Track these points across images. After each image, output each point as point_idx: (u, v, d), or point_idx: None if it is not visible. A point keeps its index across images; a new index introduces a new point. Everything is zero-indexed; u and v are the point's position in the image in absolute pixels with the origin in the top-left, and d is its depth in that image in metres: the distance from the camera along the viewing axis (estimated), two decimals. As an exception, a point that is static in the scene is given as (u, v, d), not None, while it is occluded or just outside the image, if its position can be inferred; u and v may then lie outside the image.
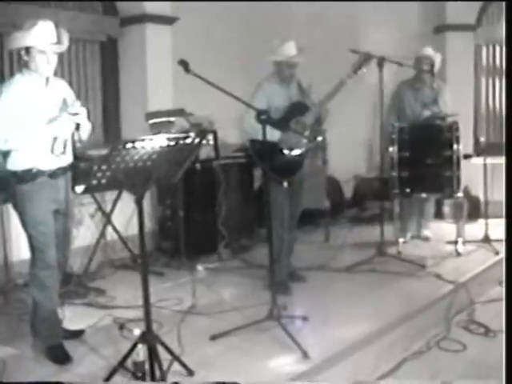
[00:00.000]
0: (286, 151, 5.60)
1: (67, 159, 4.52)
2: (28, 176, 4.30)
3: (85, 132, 4.52)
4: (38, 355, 4.45)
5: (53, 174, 4.39)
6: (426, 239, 7.62)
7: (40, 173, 4.33)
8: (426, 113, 7.19)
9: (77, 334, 4.74)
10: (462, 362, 4.92)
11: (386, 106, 6.82)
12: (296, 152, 5.64)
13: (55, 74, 6.72)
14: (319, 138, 5.87)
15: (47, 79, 4.42)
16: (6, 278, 5.64)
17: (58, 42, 4.39)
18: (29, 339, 4.63)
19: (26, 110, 4.25)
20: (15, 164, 4.31)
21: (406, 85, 7.43)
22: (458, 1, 8.84)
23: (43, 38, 4.30)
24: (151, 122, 6.98)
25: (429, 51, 7.27)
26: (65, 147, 4.44)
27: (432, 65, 7.23)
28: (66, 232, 4.63)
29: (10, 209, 4.89)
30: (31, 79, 4.35)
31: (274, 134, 5.40)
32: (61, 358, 4.37)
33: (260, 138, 4.77)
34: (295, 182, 5.79)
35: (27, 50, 4.30)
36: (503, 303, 4.09)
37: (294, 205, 5.89)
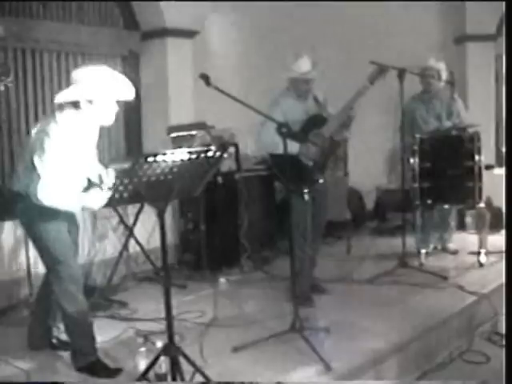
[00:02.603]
0: (305, 163, 5.61)
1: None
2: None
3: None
4: (61, 367, 4.50)
5: None
6: (454, 252, 7.56)
7: None
8: (447, 124, 7.18)
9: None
10: (485, 374, 4.88)
11: (399, 122, 6.80)
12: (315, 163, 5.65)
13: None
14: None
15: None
16: (29, 290, 5.67)
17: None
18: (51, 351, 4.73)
19: (71, 148, 4.24)
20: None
21: (416, 99, 7.40)
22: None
23: (112, 90, 4.26)
24: (173, 135, 7.02)
25: (432, 62, 7.27)
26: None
27: (439, 75, 7.22)
28: (76, 246, 4.68)
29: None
30: (83, 127, 4.35)
31: (292, 147, 5.40)
32: (109, 371, 4.41)
33: (279, 151, 4.78)
34: (318, 195, 5.79)
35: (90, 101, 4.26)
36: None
37: (318, 217, 5.86)
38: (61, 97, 4.24)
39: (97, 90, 4.21)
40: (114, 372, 4.41)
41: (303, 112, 5.77)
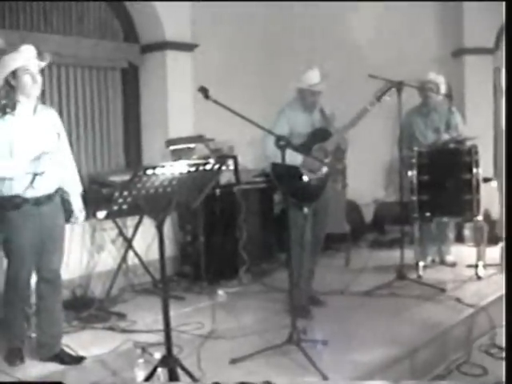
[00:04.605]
0: (307, 176, 5.62)
1: (53, 186, 4.63)
2: (12, 204, 4.43)
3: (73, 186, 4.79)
4: (61, 377, 4.51)
5: (37, 202, 4.51)
6: (452, 265, 7.55)
7: (24, 201, 4.45)
8: (445, 136, 7.19)
9: (78, 360, 4.79)
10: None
11: (398, 135, 6.82)
12: (317, 177, 5.66)
13: (75, 99, 6.85)
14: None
15: (35, 108, 4.54)
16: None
17: (40, 59, 4.56)
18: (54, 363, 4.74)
19: (13, 139, 4.37)
20: (0, 191, 4.44)
21: (414, 112, 7.42)
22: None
23: (27, 58, 4.46)
24: (172, 148, 7.05)
25: (431, 75, 7.30)
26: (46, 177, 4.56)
27: (438, 88, 7.25)
28: (55, 255, 4.74)
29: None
30: (18, 107, 4.46)
31: (295, 159, 5.43)
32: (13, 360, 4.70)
33: (283, 162, 4.80)
34: (319, 208, 5.80)
35: (13, 74, 4.42)
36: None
37: (318, 230, 5.88)
38: None
39: (12, 61, 4.44)
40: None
41: (309, 124, 5.79)
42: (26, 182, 4.41)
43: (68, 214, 4.83)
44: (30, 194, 4.46)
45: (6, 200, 4.43)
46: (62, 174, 4.73)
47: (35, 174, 4.42)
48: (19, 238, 4.47)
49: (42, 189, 4.52)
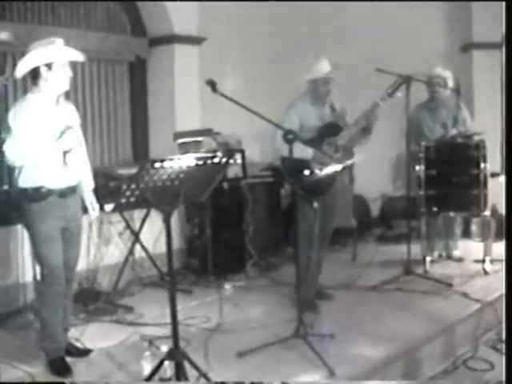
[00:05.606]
0: (317, 170, 5.60)
1: (76, 178, 4.61)
2: (38, 195, 4.40)
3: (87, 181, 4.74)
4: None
5: (62, 193, 4.49)
6: (459, 260, 7.54)
7: (49, 192, 4.42)
8: (453, 131, 7.18)
9: (85, 353, 4.79)
10: (489, 382, 4.88)
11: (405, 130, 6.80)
12: (327, 171, 5.65)
13: (83, 92, 6.86)
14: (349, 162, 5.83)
15: (58, 99, 4.53)
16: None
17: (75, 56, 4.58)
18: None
19: (37, 128, 4.34)
20: (25, 182, 4.41)
21: (422, 107, 7.42)
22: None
23: (65, 52, 4.48)
24: (179, 141, 7.05)
25: (438, 70, 7.29)
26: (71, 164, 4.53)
27: (445, 83, 7.23)
28: (74, 249, 4.73)
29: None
30: (42, 98, 4.45)
31: (306, 153, 5.42)
32: (61, 370, 4.48)
33: (292, 155, 4.79)
34: (328, 203, 5.80)
35: (48, 66, 4.39)
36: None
37: (326, 225, 5.88)
38: (21, 69, 4.45)
39: (52, 53, 4.41)
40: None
41: (318, 119, 5.78)
42: (51, 172, 4.38)
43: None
44: (55, 185, 4.43)
45: (31, 191, 4.40)
46: (81, 168, 4.72)
47: (65, 152, 4.41)
48: (47, 226, 4.41)
49: (66, 180, 4.49)
